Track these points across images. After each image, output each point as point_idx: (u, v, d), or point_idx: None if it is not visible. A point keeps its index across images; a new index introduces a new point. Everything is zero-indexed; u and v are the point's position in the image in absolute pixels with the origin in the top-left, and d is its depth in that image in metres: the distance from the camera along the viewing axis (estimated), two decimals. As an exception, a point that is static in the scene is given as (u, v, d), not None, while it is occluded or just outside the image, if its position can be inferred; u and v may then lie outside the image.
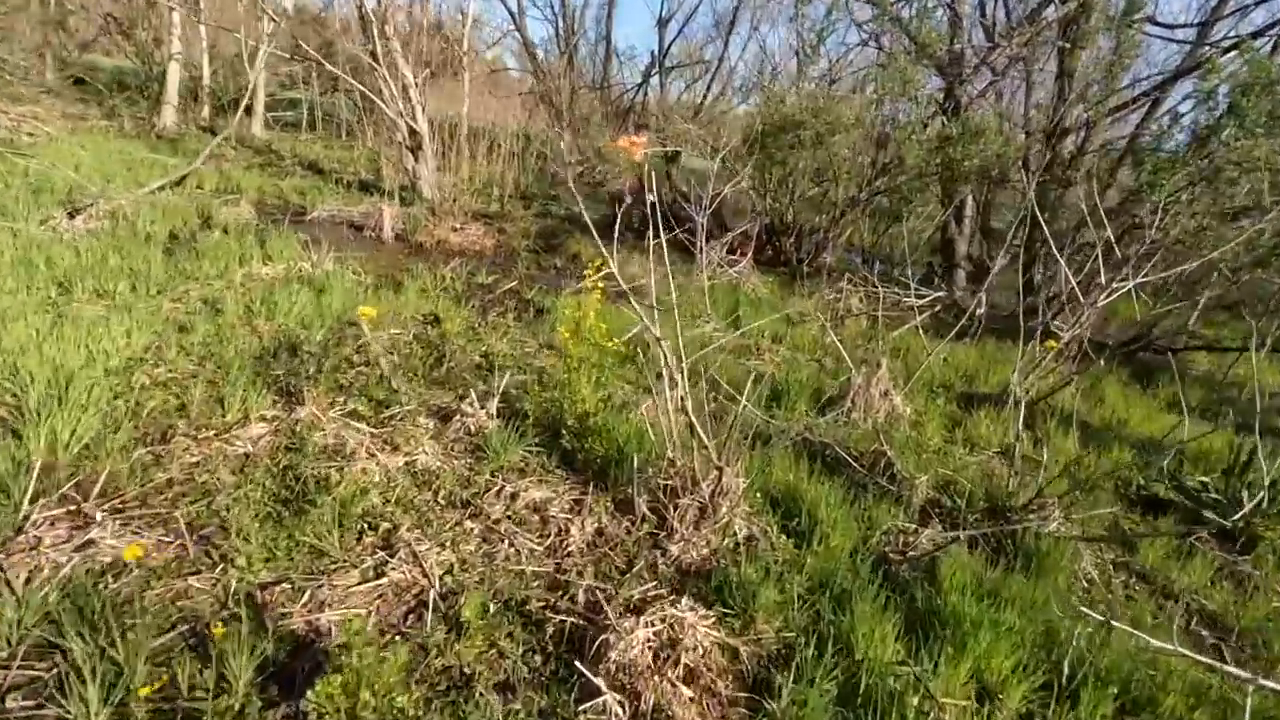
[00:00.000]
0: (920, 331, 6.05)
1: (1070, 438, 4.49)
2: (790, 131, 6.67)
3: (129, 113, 11.36)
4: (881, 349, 6.30)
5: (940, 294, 6.50)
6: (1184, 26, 9.06)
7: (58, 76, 14.11)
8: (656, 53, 18.63)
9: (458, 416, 3.33)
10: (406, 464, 2.92)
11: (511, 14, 17.17)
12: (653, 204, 2.70)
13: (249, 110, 13.38)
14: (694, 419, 2.71)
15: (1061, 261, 5.28)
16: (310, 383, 3.32)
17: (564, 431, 3.26)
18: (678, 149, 12.94)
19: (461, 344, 4.51)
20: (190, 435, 2.90)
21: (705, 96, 18.24)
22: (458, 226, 8.22)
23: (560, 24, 17.70)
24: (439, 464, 2.98)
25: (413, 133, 8.61)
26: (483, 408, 3.36)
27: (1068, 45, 9.80)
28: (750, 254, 7.73)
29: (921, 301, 6.42)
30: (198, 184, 8.29)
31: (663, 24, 18.52)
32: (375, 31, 7.68)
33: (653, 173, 10.08)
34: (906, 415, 4.52)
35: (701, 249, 6.09)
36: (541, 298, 6.12)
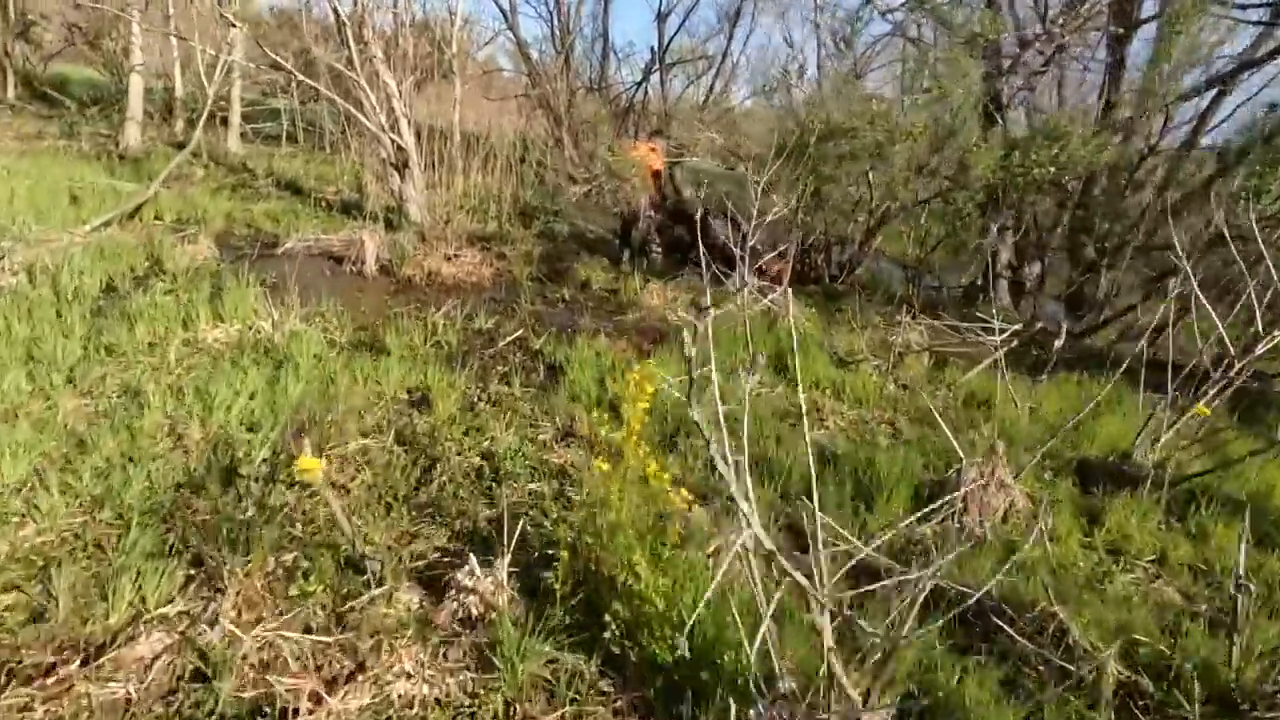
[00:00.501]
0: (1002, 376, 5.02)
1: (1240, 533, 3.47)
2: (835, 139, 5.63)
3: (88, 130, 10.25)
4: (954, 393, 5.29)
5: (1016, 326, 5.45)
6: (1259, 6, 7.99)
7: (20, 91, 12.98)
8: (656, 49, 17.51)
9: (453, 591, 2.29)
10: (375, 702, 1.88)
11: (503, 12, 16.03)
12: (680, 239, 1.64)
13: (225, 123, 12.29)
14: (834, 659, 1.67)
15: (1194, 283, 4.21)
16: (239, 552, 2.27)
17: (608, 617, 2.22)
18: (682, 150, 11.80)
19: (457, 437, 3.46)
20: (39, 674, 1.86)
21: (710, 93, 17.13)
22: (451, 254, 7.16)
23: (555, 21, 16.55)
24: (425, 692, 1.94)
25: (398, 149, 7.53)
26: (488, 572, 2.32)
27: (1121, 31, 8.75)
28: (788, 279, 6.69)
29: (998, 338, 5.39)
30: (156, 214, 7.22)
31: (662, 18, 17.37)
32: (350, 35, 6.59)
33: (668, 180, 8.99)
34: (1026, 510, 3.49)
35: (744, 286, 5.04)
36: (553, 347, 5.06)
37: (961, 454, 3.37)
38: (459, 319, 5.44)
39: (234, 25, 6.62)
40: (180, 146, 11.11)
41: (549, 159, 12.13)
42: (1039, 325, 5.92)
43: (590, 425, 3.65)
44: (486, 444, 3.42)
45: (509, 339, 5.13)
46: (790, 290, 6.92)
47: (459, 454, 3.26)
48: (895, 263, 10.10)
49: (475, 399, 3.99)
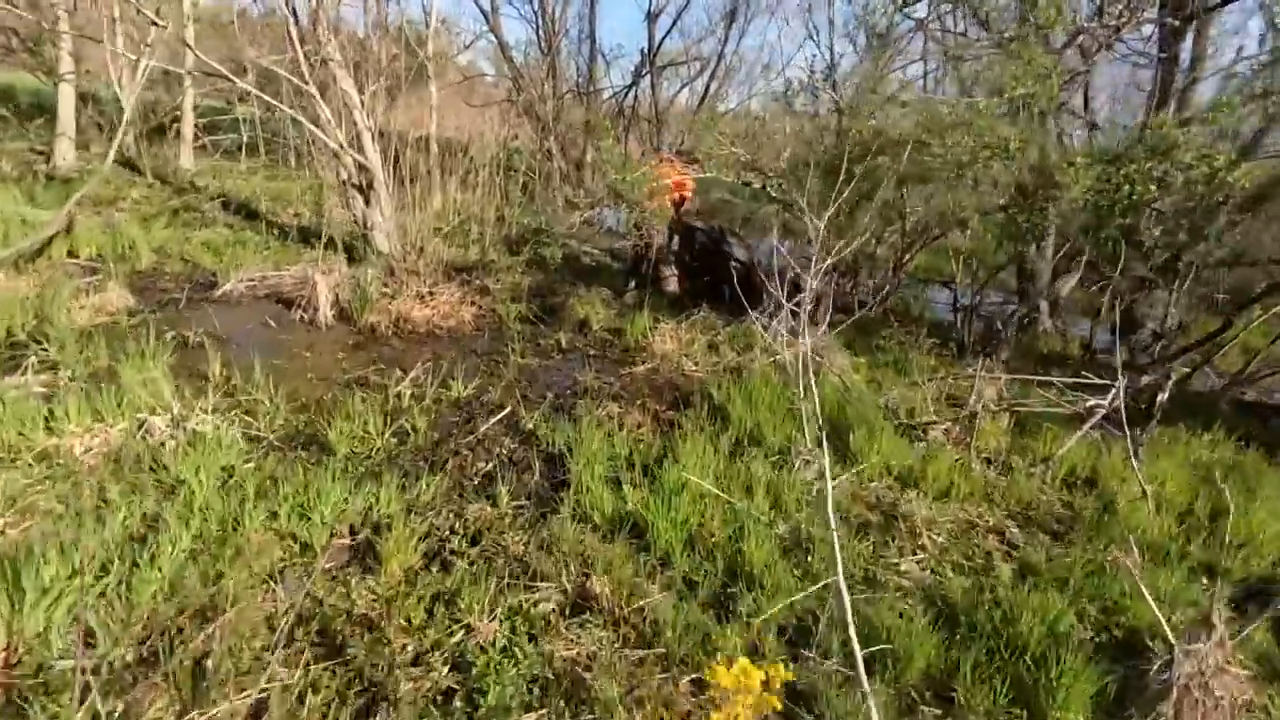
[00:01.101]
0: (1133, 456, 3.91)
1: None
2: (892, 152, 4.49)
3: (11, 148, 8.93)
4: (1051, 470, 4.17)
5: (1121, 382, 4.33)
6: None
7: (-49, 104, 11.59)
8: (647, 51, 16.33)
9: None
10: None
11: (484, 13, 14.79)
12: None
13: (178, 136, 10.99)
14: None
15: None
16: None
17: None
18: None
19: (415, 625, 2.26)
20: None
21: (704, 97, 16.01)
22: (425, 292, 5.96)
23: (539, 23, 15.31)
24: None
25: (360, 168, 6.31)
26: None
27: (1176, 23, 7.68)
28: (826, 316, 5.55)
29: (1099, 400, 4.27)
30: (70, 249, 5.96)
31: (652, 18, 16.18)
32: (293, 35, 5.37)
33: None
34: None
35: (804, 352, 3.85)
36: (550, 426, 3.89)
37: (1170, 637, 2.22)
38: (430, 386, 4.24)
39: (155, 24, 5.37)
40: (128, 164, 9.82)
41: (537, 170, 10.92)
42: (1148, 378, 4.81)
43: (609, 587, 2.48)
44: (459, 637, 2.23)
45: (494, 420, 3.92)
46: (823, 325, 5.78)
47: (414, 674, 2.05)
48: (915, 278, 9.00)
49: (445, 536, 2.80)
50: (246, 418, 3.53)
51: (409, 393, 4.12)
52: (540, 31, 15.07)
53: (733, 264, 7.09)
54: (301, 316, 5.29)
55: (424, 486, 3.09)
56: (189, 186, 8.80)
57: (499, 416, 3.96)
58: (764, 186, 6.37)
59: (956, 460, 4.01)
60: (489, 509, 3.02)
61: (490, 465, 3.46)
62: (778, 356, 5.34)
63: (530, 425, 3.91)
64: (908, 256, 6.85)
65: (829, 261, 3.72)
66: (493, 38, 15.18)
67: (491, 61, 20.48)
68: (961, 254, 6.32)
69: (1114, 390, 4.27)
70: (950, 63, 7.07)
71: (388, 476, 3.08)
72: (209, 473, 2.84)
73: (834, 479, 3.65)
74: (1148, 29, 7.76)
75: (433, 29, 9.66)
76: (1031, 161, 3.66)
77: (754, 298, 7.18)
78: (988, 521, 3.52)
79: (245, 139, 10.65)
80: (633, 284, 6.71)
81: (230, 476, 2.94)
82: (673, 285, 7.03)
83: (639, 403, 4.50)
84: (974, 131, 3.88)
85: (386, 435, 3.57)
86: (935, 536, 3.25)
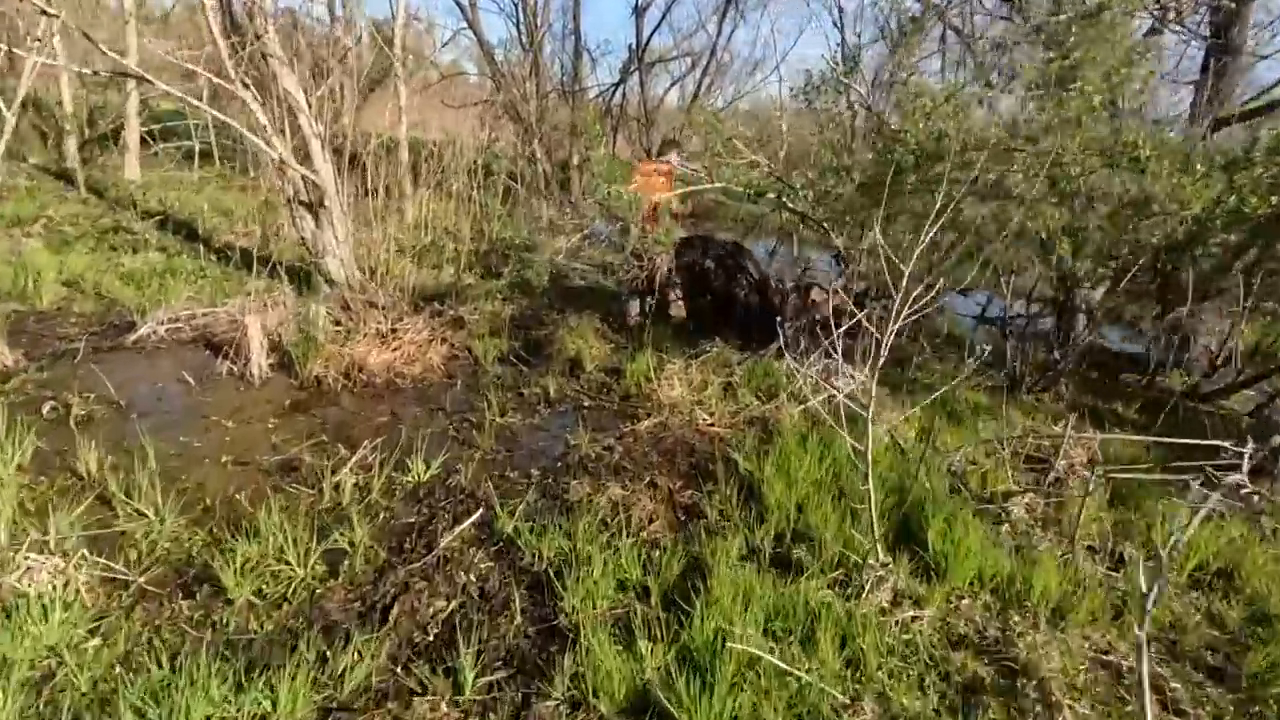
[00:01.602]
0: (1231, 525, 2.99)
1: None
2: (945, 161, 3.53)
3: (-80, 162, 7.79)
4: (1173, 560, 3.23)
5: (1254, 449, 3.39)
6: None
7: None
8: (635, 46, 15.31)
9: None
10: None
11: (462, 8, 13.68)
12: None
13: (126, 143, 9.87)
14: None
15: None
16: None
17: None
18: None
19: None
20: None
21: (697, 93, 15.04)
22: (386, 330, 4.95)
23: (521, 17, 14.23)
24: None
25: (309, 183, 5.28)
26: None
27: (1234, 4, 6.79)
28: (876, 353, 4.60)
29: (1222, 461, 3.34)
30: (-44, 286, 4.90)
31: (640, 12, 15.17)
32: (214, 26, 4.33)
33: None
34: None
35: (869, 435, 2.85)
36: (535, 533, 2.91)
37: None
38: (382, 468, 3.24)
39: (46, 12, 4.31)
40: (62, 176, 8.70)
41: (518, 176, 9.89)
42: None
43: None
44: None
45: (461, 525, 2.93)
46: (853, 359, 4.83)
47: None
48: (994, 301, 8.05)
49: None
50: (118, 544, 2.52)
51: (352, 482, 3.12)
52: (521, 27, 14.00)
53: (742, 286, 6.13)
54: (234, 366, 4.27)
55: (353, 660, 2.10)
56: (129, 201, 7.70)
57: (469, 520, 2.96)
58: (780, 196, 5.40)
59: (1062, 558, 3.07)
60: (446, 702, 2.03)
61: (453, 605, 2.47)
62: (810, 404, 4.39)
63: (509, 528, 2.92)
64: (942, 277, 5.89)
65: (902, 297, 2.74)
66: (472, 34, 14.10)
67: (476, 61, 19.35)
68: (998, 265, 5.37)
69: (1246, 455, 3.34)
70: (991, 52, 6.12)
71: (301, 646, 2.09)
72: (15, 670, 1.84)
73: (917, 607, 2.71)
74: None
75: (400, 23, 8.60)
76: (1164, 169, 2.74)
77: (768, 322, 6.22)
78: (1128, 659, 2.57)
79: (198, 146, 9.54)
80: (635, 310, 5.71)
81: (54, 671, 1.94)
82: (676, 310, 6.05)
83: (647, 479, 3.53)
84: (1082, 135, 2.95)
85: (312, 561, 2.57)
86: (1080, 708, 2.29)
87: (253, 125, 4.91)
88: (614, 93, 16.07)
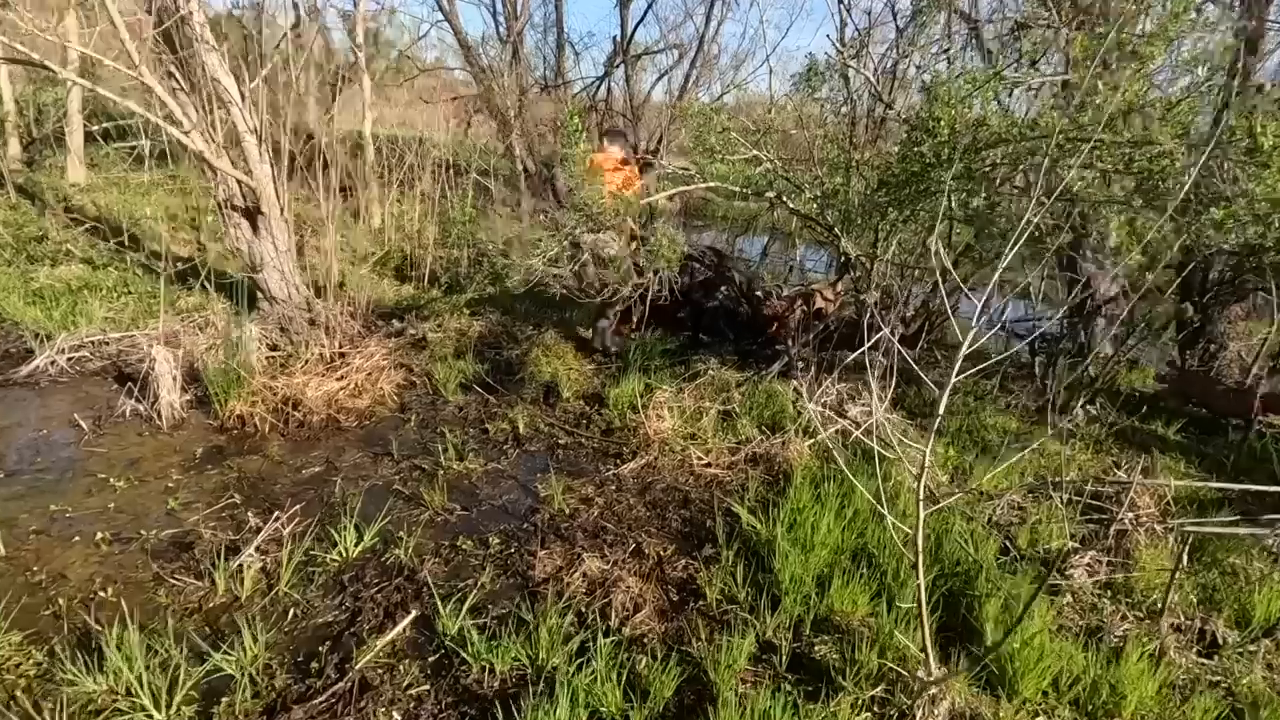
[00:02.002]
0: None
1: None
2: (987, 153, 2.89)
3: None
4: (1252, 635, 2.60)
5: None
6: None
7: None
8: (619, 39, 14.58)
9: None
10: None
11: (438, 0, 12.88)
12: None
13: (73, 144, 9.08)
14: None
15: None
16: None
17: None
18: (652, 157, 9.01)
19: None
20: None
21: (685, 86, 14.31)
22: (332, 355, 4.26)
23: (500, 8, 13.45)
24: None
25: (244, 187, 4.56)
26: None
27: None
28: (888, 385, 3.95)
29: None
30: None
31: (624, 3, 14.43)
32: (109, 4, 3.60)
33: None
34: None
35: (919, 518, 2.19)
36: (485, 641, 2.24)
37: None
38: (300, 543, 2.56)
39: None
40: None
41: (493, 173, 9.18)
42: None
43: None
44: None
45: (388, 634, 2.24)
46: (875, 383, 4.21)
47: None
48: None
49: None
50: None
51: (257, 567, 2.44)
52: (500, 17, 13.23)
53: (721, 294, 5.48)
54: (145, 407, 3.57)
55: None
56: (63, 207, 6.94)
57: (398, 627, 2.28)
58: (780, 195, 4.73)
59: (1150, 648, 2.43)
60: None
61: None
62: (821, 437, 3.74)
63: (454, 629, 2.25)
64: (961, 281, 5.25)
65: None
66: (448, 26, 13.31)
67: (456, 54, 18.51)
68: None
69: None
70: (1010, 34, 5.52)
71: None
72: None
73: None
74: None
75: (361, 9, 7.86)
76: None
77: (755, 330, 5.59)
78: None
79: (148, 145, 8.76)
80: (608, 335, 5.02)
81: None
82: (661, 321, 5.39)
83: (632, 544, 2.87)
84: (1171, 122, 2.31)
85: (179, 699, 1.89)
86: None
87: (172, 117, 4.20)
88: (598, 87, 15.35)
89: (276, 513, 2.68)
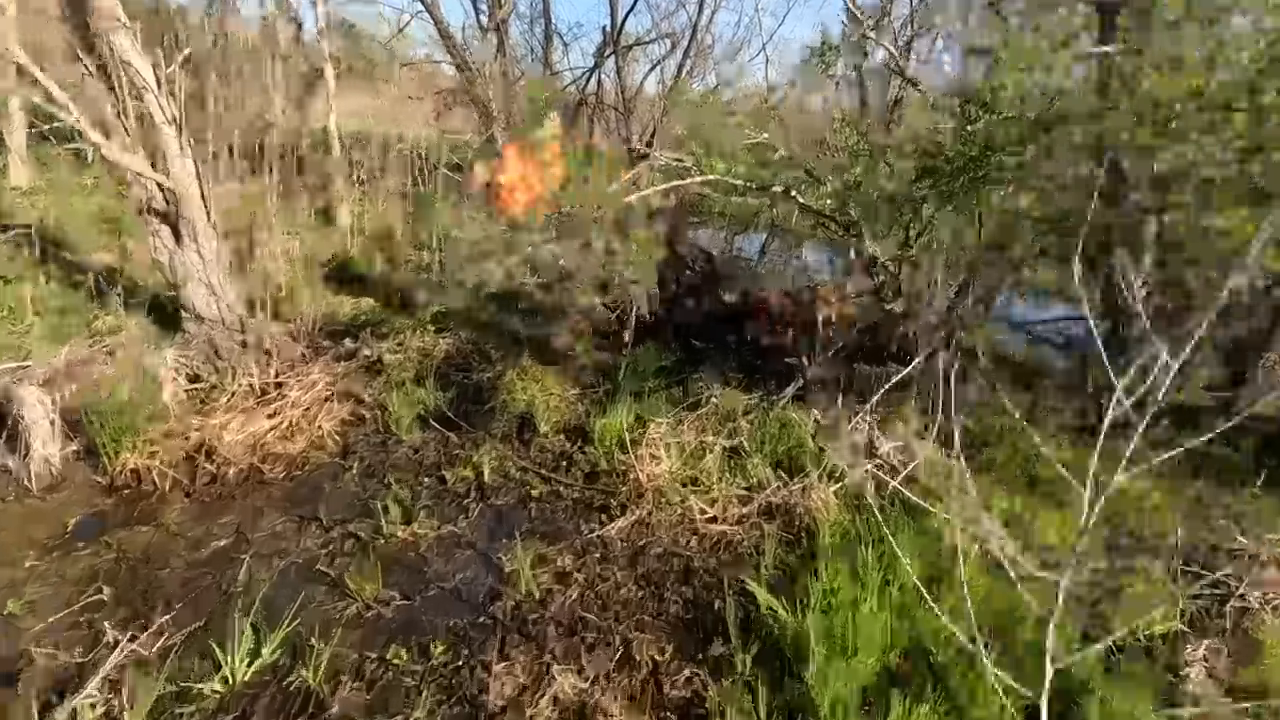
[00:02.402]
0: None
1: None
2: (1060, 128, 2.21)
3: None
4: None
5: None
6: None
7: None
8: (610, 28, 13.81)
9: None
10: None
11: (416, -13, 12.09)
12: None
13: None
14: None
15: None
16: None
17: None
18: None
19: None
20: None
21: (678, 76, 13.56)
22: (265, 385, 3.55)
23: (483, -4, 12.65)
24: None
25: (163, 190, 3.84)
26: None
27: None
28: (928, 418, 3.27)
29: None
30: None
31: (614, -11, 13.65)
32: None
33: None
34: None
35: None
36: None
37: None
38: (166, 664, 1.87)
39: None
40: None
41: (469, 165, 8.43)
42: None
43: None
44: None
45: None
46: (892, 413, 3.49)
47: None
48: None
49: None
50: None
51: (99, 711, 1.74)
52: (481, 5, 12.46)
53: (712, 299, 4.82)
54: (5, 464, 2.86)
55: None
56: (-9, 213, 6.20)
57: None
58: (788, 190, 4.02)
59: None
60: None
61: None
62: (851, 483, 3.05)
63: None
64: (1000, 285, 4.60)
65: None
66: (428, 16, 12.53)
67: (439, 46, 17.68)
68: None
69: None
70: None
71: None
72: None
73: None
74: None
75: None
76: None
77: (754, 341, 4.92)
78: None
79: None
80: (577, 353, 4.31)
81: None
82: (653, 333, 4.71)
83: (619, 646, 2.18)
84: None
85: None
86: None
87: (51, 99, 3.49)
88: (588, 79, 14.58)
89: (164, 604, 1.98)
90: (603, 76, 13.84)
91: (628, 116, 15.27)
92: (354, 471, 3.12)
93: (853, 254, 6.50)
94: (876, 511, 2.38)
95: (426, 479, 3.12)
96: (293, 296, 4.47)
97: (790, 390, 3.86)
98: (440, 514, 2.85)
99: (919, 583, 2.06)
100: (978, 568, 2.53)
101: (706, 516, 2.96)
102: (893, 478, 3.03)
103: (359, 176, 6.16)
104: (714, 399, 3.74)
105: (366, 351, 4.14)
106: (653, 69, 15.32)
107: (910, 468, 3.08)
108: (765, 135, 3.58)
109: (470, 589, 2.44)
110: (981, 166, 2.59)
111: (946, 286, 4.67)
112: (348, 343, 4.22)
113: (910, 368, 3.01)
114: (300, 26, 9.08)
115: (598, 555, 2.67)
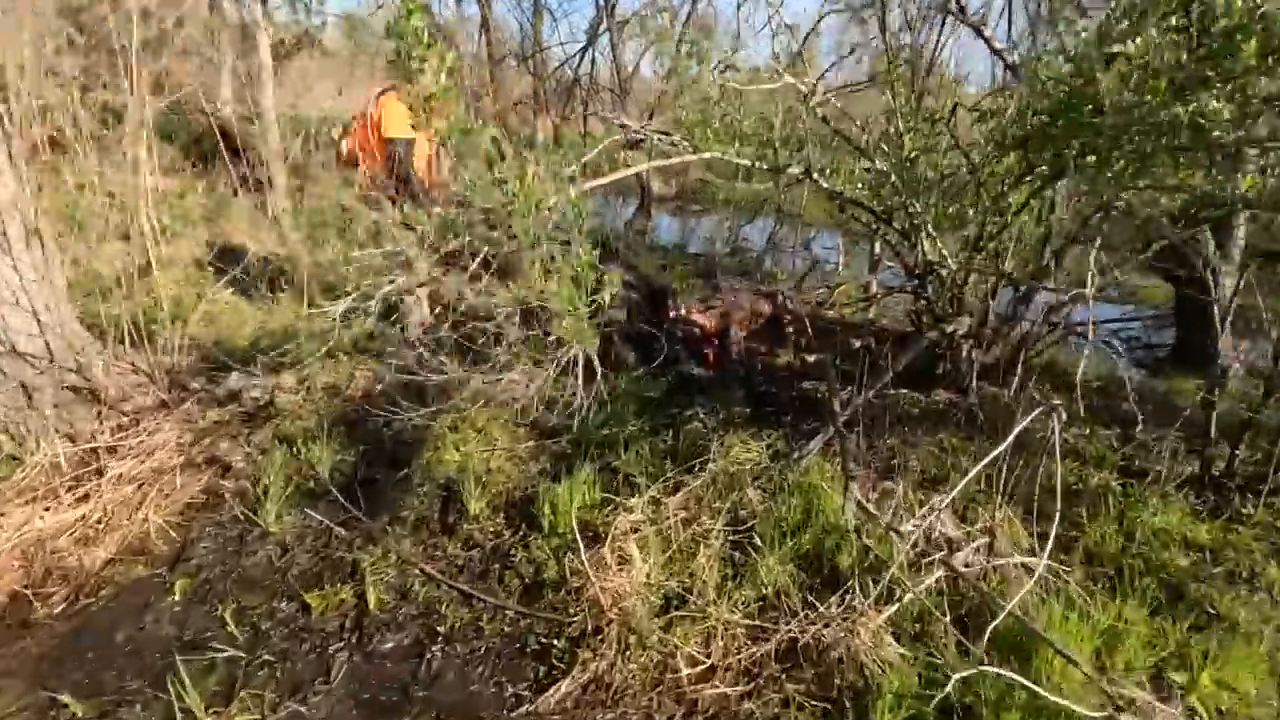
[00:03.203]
0: None
1: None
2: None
3: None
4: None
5: None
6: None
7: None
8: (603, 4, 12.58)
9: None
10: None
11: (391, -42, 10.94)
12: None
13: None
14: None
15: None
16: None
17: None
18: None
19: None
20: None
21: (677, 51, 12.32)
22: (84, 455, 2.49)
23: (463, -32, 11.49)
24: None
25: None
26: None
27: None
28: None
29: None
30: None
31: (607, -40, 12.40)
32: None
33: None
34: None
35: None
36: None
37: None
38: None
39: None
40: None
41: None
42: None
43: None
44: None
45: None
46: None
47: None
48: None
49: None
50: None
51: None
52: (463, -23, 11.28)
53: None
54: None
55: None
56: None
57: None
58: (808, 171, 2.90)
59: None
60: None
61: None
62: (912, 594, 1.97)
63: None
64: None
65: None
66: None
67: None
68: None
69: None
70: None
71: None
72: None
73: None
74: None
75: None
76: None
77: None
78: None
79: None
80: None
81: None
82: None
83: None
84: None
85: None
86: None
87: None
88: (581, 58, 13.35)
89: None
90: (596, 55, 12.63)
91: (624, 98, 14.00)
92: (177, 595, 2.06)
93: (876, 247, 5.36)
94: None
95: (284, 605, 2.06)
96: (182, 316, 3.40)
97: (815, 444, 2.76)
98: (282, 680, 1.79)
99: None
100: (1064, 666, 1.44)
101: (699, 670, 1.89)
102: (975, 589, 1.97)
103: (296, 162, 5.09)
104: (712, 462, 2.64)
105: (255, 393, 3.07)
106: (649, 47, 14.01)
107: (998, 581, 1.99)
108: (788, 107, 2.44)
109: None
110: (1128, 122, 1.46)
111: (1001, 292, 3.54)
112: (233, 379, 3.15)
113: (1006, 444, 1.91)
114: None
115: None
